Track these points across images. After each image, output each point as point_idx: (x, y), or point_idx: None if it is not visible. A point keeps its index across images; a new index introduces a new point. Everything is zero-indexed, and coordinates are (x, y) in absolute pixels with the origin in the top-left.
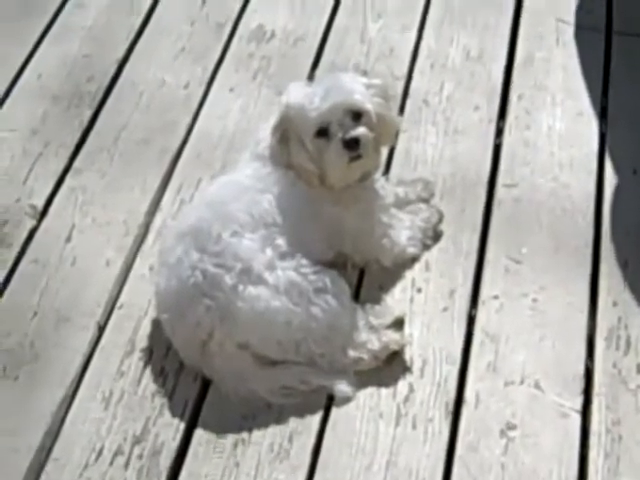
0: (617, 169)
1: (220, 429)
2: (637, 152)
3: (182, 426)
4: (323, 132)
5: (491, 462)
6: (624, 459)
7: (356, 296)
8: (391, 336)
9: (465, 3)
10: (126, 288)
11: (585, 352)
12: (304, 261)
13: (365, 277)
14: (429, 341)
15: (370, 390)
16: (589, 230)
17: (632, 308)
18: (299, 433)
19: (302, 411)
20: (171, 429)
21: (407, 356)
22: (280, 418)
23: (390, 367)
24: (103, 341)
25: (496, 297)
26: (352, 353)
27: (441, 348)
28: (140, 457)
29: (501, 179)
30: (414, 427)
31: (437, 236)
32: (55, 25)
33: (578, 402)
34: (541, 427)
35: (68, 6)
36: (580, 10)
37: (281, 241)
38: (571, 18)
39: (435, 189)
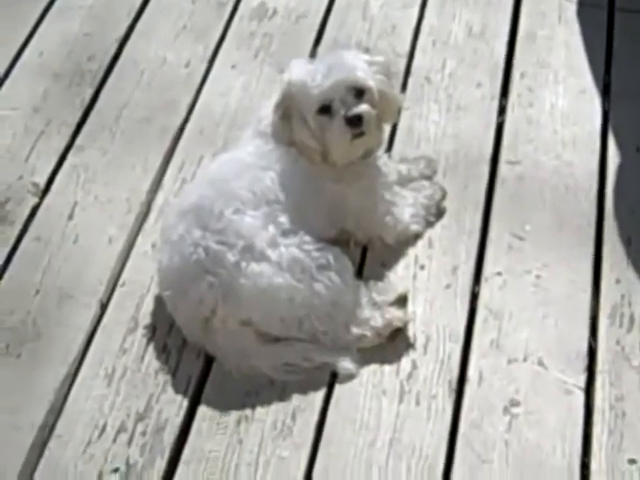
0: (620, 147)
1: (223, 406)
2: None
3: (185, 403)
4: (325, 109)
5: (495, 439)
6: (628, 435)
7: (359, 273)
8: (394, 313)
9: None
10: (128, 265)
11: (588, 329)
12: (307, 238)
13: (368, 254)
14: (432, 318)
15: (373, 367)
16: (592, 208)
17: (635, 285)
18: (302, 410)
19: (305, 388)
20: (174, 406)
21: (410, 333)
22: (283, 395)
23: (393, 344)
24: (105, 319)
25: (499, 274)
26: (355, 330)
27: (444, 325)
28: (143, 434)
29: (504, 156)
30: (417, 404)
31: (440, 213)
32: (56, 4)
33: (581, 379)
34: (544, 404)
35: None
36: None
37: (283, 218)
38: None
39: (438, 166)
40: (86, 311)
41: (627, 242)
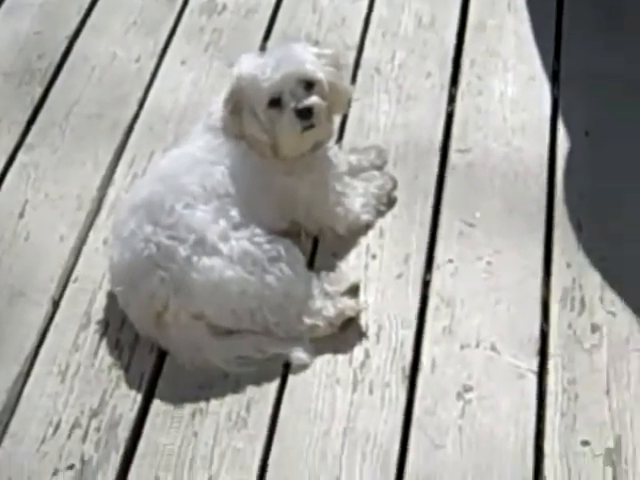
0: (569, 132)
1: (177, 399)
2: (589, 114)
3: (139, 397)
4: (275, 102)
5: (448, 424)
6: (580, 417)
7: (310, 264)
8: (346, 303)
9: None
10: (80, 262)
11: (540, 314)
12: (258, 231)
13: (319, 245)
14: (384, 307)
15: (326, 357)
16: (542, 193)
17: (586, 269)
18: (256, 401)
19: (259, 379)
20: (128, 401)
21: (363, 322)
22: (237, 387)
23: (346, 333)
24: (58, 316)
25: (450, 261)
26: (307, 320)
27: (396, 314)
28: (98, 430)
29: (454, 145)
30: (371, 392)
31: (391, 203)
32: (5, 2)
33: (534, 363)
34: (498, 389)
35: None
36: None
37: (234, 212)
38: None
39: (388, 156)
40: (38, 308)
41: (577, 227)
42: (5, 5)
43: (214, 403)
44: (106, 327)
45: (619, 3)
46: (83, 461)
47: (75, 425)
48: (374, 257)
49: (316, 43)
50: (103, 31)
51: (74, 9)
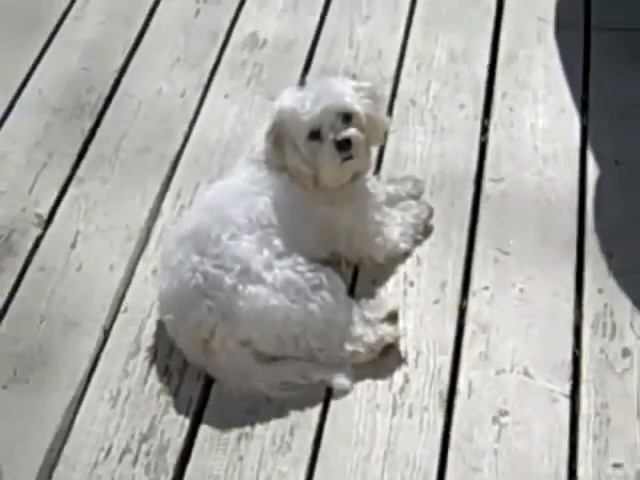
0: (599, 161)
1: (224, 424)
2: (618, 144)
3: (187, 423)
4: (315, 135)
5: (485, 449)
6: (613, 441)
7: (351, 291)
8: (386, 329)
9: (449, 4)
10: (130, 292)
11: (572, 339)
12: (300, 259)
13: (359, 273)
14: (422, 333)
15: (367, 382)
16: (574, 222)
17: (617, 294)
18: (300, 426)
19: (302, 404)
20: (177, 426)
21: (402, 348)
22: (281, 412)
23: (385, 359)
24: (109, 344)
25: (486, 288)
26: (349, 347)
27: (434, 339)
28: (147, 454)
29: (488, 174)
30: (410, 416)
31: (428, 231)
32: (54, 40)
33: (567, 387)
34: (532, 413)
35: (67, 21)
36: (559, 8)
37: (277, 242)
38: (551, 17)
39: (424, 186)
40: (90, 337)
41: (608, 254)
42: (53, 42)
43: (259, 428)
44: (155, 354)
45: None
46: None
47: (126, 450)
48: (412, 284)
49: (353, 76)
50: (149, 66)
51: (120, 45)
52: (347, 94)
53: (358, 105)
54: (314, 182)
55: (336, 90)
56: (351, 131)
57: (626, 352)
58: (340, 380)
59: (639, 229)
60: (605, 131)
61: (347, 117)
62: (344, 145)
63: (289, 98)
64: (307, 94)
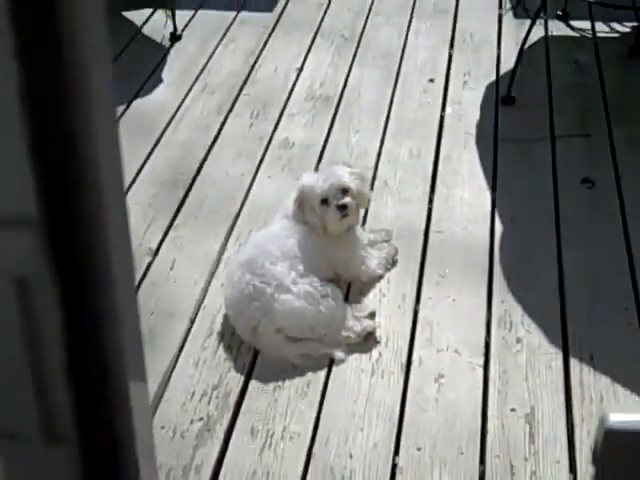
0: (502, 221)
1: (265, 380)
2: (513, 210)
3: (242, 377)
4: (324, 201)
5: (429, 398)
6: (510, 394)
7: (346, 299)
8: (367, 323)
9: (409, 123)
10: (207, 297)
11: (485, 331)
12: (314, 279)
13: (351, 287)
14: (390, 326)
15: (355, 355)
16: (486, 258)
17: (513, 304)
18: (313, 382)
19: (315, 368)
20: (235, 380)
21: (377, 335)
22: (302, 373)
23: (367, 342)
24: (193, 329)
25: (430, 298)
26: (344, 333)
27: (398, 330)
28: (217, 397)
29: (433, 228)
30: (382, 377)
31: (394, 263)
32: (162, 139)
33: (481, 361)
34: (459, 376)
35: (169, 128)
36: (478, 127)
37: (300, 267)
38: (473, 132)
39: (392, 235)
40: (181, 324)
41: (508, 279)
42: (162, 141)
43: (287, 382)
44: (222, 336)
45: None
46: (208, 416)
47: (203, 394)
48: (384, 295)
49: (349, 165)
50: (220, 158)
51: (202, 144)
52: (345, 176)
53: (352, 183)
54: (323, 230)
55: (338, 174)
56: (347, 200)
57: (518, 340)
58: (339, 354)
59: (524, 263)
60: (505, 203)
61: (344, 191)
62: (342, 208)
63: (308, 178)
64: (319, 176)
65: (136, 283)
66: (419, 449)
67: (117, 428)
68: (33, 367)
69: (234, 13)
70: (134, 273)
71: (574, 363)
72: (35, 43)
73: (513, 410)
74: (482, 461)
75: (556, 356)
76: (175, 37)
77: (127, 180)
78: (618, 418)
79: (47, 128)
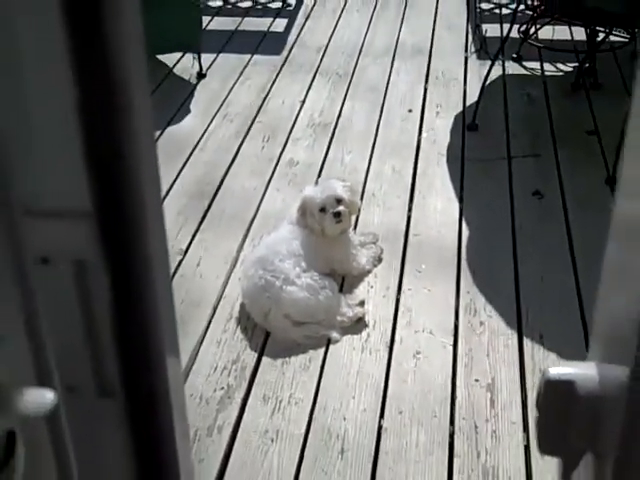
0: (468, 227)
1: (275, 357)
2: (479, 218)
3: (256, 354)
4: (323, 209)
5: (408, 370)
6: (474, 368)
7: (340, 290)
8: (358, 309)
9: (391, 146)
10: (227, 288)
11: (454, 315)
12: (315, 273)
13: (345, 280)
14: (377, 312)
15: (348, 336)
16: (455, 257)
17: (477, 294)
18: (314, 358)
19: (315, 347)
20: (250, 355)
21: (366, 319)
22: (304, 351)
23: (358, 325)
24: (216, 315)
25: (410, 289)
26: (339, 317)
27: (383, 315)
28: (235, 370)
29: (411, 232)
30: (370, 354)
31: (380, 260)
32: (189, 160)
33: (451, 340)
34: (433, 352)
35: (196, 151)
36: (449, 149)
37: (303, 264)
38: (444, 153)
39: (379, 237)
40: (205, 311)
41: (473, 272)
42: (189, 161)
43: (293, 358)
44: (239, 320)
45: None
46: (228, 386)
47: (224, 368)
48: (372, 287)
49: (342, 180)
50: (238, 174)
51: (224, 164)
52: (339, 189)
53: (344, 194)
54: (322, 233)
55: (333, 187)
56: (341, 208)
57: (481, 323)
58: (335, 335)
59: (486, 260)
60: (470, 211)
61: (339, 200)
62: (337, 215)
63: (309, 191)
64: (318, 189)
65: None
66: (400, 413)
67: (156, 388)
68: (88, 334)
69: (249, 56)
70: (169, 266)
71: (527, 342)
72: (88, 68)
73: (477, 381)
74: (452, 422)
75: (512, 336)
76: (201, 75)
77: (162, 193)
78: (556, 370)
79: (99, 137)
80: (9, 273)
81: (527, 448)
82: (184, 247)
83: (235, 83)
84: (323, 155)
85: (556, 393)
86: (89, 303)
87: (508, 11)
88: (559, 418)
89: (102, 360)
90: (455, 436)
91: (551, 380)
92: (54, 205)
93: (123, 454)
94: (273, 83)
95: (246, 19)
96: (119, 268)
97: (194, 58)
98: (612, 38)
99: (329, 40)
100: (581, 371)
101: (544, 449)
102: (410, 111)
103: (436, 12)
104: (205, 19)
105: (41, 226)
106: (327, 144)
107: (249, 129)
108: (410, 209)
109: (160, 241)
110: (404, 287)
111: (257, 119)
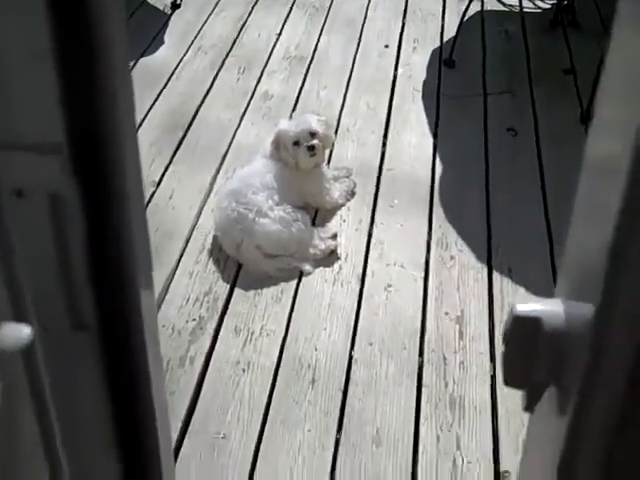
0: (441, 162)
1: (247, 287)
2: (451, 154)
3: (228, 286)
4: (296, 143)
5: (379, 303)
6: (445, 301)
7: (313, 223)
8: (330, 242)
9: (367, 81)
10: (200, 220)
11: (425, 250)
12: (288, 206)
13: (318, 214)
14: (349, 245)
15: (320, 268)
16: (427, 191)
17: (448, 228)
18: (286, 290)
19: (287, 279)
20: (223, 287)
21: (338, 252)
22: (276, 282)
23: (330, 257)
24: (189, 246)
25: (382, 223)
26: (312, 250)
27: (355, 248)
28: (208, 302)
29: (385, 166)
30: (342, 286)
31: (353, 194)
32: (163, 91)
33: (422, 274)
34: (404, 286)
35: (170, 82)
36: (424, 86)
37: (276, 197)
38: (420, 88)
39: (352, 171)
40: (178, 242)
41: (445, 207)
42: (163, 93)
43: (265, 290)
44: (211, 252)
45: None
46: (200, 317)
47: (197, 299)
48: (344, 221)
49: (318, 114)
50: (212, 106)
51: (197, 94)
52: (313, 122)
53: (319, 128)
54: (295, 167)
55: (307, 120)
56: (315, 141)
57: (452, 257)
58: (307, 267)
59: (459, 195)
60: (444, 147)
61: (313, 134)
62: (311, 148)
63: (283, 124)
64: (293, 122)
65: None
66: (371, 344)
67: (130, 320)
68: (62, 268)
69: None
70: (144, 201)
71: (496, 276)
72: (72, 54)
73: (447, 313)
74: (421, 354)
75: (482, 270)
76: (175, 5)
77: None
78: (523, 307)
79: (73, 71)
80: None
81: (493, 378)
82: (157, 179)
83: (210, 14)
84: (298, 89)
85: (523, 328)
86: (64, 238)
87: None
88: (525, 353)
89: (76, 294)
90: (424, 367)
91: (518, 316)
92: (29, 139)
93: (99, 389)
94: (249, 15)
95: None
96: (94, 202)
97: None
98: None
99: None
100: (548, 307)
101: (509, 382)
102: (387, 46)
103: None
104: None
105: (16, 160)
106: (302, 78)
107: (224, 61)
108: (384, 144)
109: (135, 175)
110: (377, 221)
111: (232, 51)
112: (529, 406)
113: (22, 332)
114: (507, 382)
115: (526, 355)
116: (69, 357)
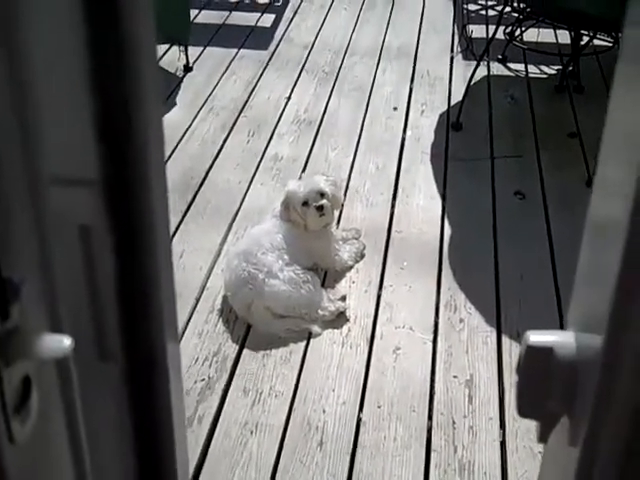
0: (450, 224)
1: (256, 349)
2: (460, 217)
3: (237, 346)
4: (305, 203)
5: (388, 365)
6: (453, 364)
7: (322, 284)
8: (339, 304)
9: (376, 143)
10: (210, 280)
11: (434, 313)
12: (297, 267)
13: (327, 275)
14: (358, 307)
15: (329, 330)
16: (436, 254)
17: (457, 291)
18: (295, 351)
19: (296, 340)
20: (232, 347)
21: (347, 314)
22: (286, 343)
23: (339, 319)
24: (198, 306)
25: (391, 286)
26: (320, 312)
27: (364, 310)
28: (217, 362)
29: (394, 228)
30: (351, 348)
31: (362, 256)
32: (175, 153)
33: (431, 337)
34: (413, 349)
35: (181, 142)
36: (432, 147)
37: (286, 257)
38: (428, 151)
39: (361, 233)
40: (188, 302)
41: (453, 269)
42: (174, 154)
43: (274, 351)
44: (222, 312)
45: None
46: (209, 377)
47: (206, 359)
48: (354, 282)
49: (326, 175)
50: (223, 168)
51: (208, 156)
52: (321, 183)
53: (327, 188)
54: (305, 227)
55: (316, 181)
56: (323, 202)
57: (461, 320)
58: (316, 329)
59: (467, 258)
60: (453, 209)
61: (321, 194)
62: (320, 208)
63: (292, 185)
64: (301, 183)
65: None
66: (379, 406)
67: (153, 349)
68: (91, 298)
69: (236, 50)
70: (170, 241)
71: (505, 339)
72: (101, 49)
73: (455, 377)
74: (430, 417)
75: (491, 334)
76: (187, 68)
77: None
78: (536, 337)
79: (109, 116)
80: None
81: (503, 444)
82: None
83: (221, 77)
84: (308, 151)
85: (536, 358)
86: (92, 267)
87: (494, 13)
88: (538, 382)
89: (103, 324)
90: (433, 431)
91: (531, 346)
92: (67, 173)
93: (120, 420)
94: (259, 78)
95: (234, 13)
96: (123, 236)
97: (181, 51)
98: (596, 42)
99: (316, 37)
100: (560, 338)
101: (523, 412)
102: (395, 109)
103: (423, 12)
104: (193, 12)
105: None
106: (312, 140)
107: (234, 123)
108: (393, 206)
109: (162, 217)
110: (385, 283)
111: (243, 113)
112: (543, 436)
113: (63, 343)
114: (521, 412)
115: (539, 385)
116: (92, 388)
